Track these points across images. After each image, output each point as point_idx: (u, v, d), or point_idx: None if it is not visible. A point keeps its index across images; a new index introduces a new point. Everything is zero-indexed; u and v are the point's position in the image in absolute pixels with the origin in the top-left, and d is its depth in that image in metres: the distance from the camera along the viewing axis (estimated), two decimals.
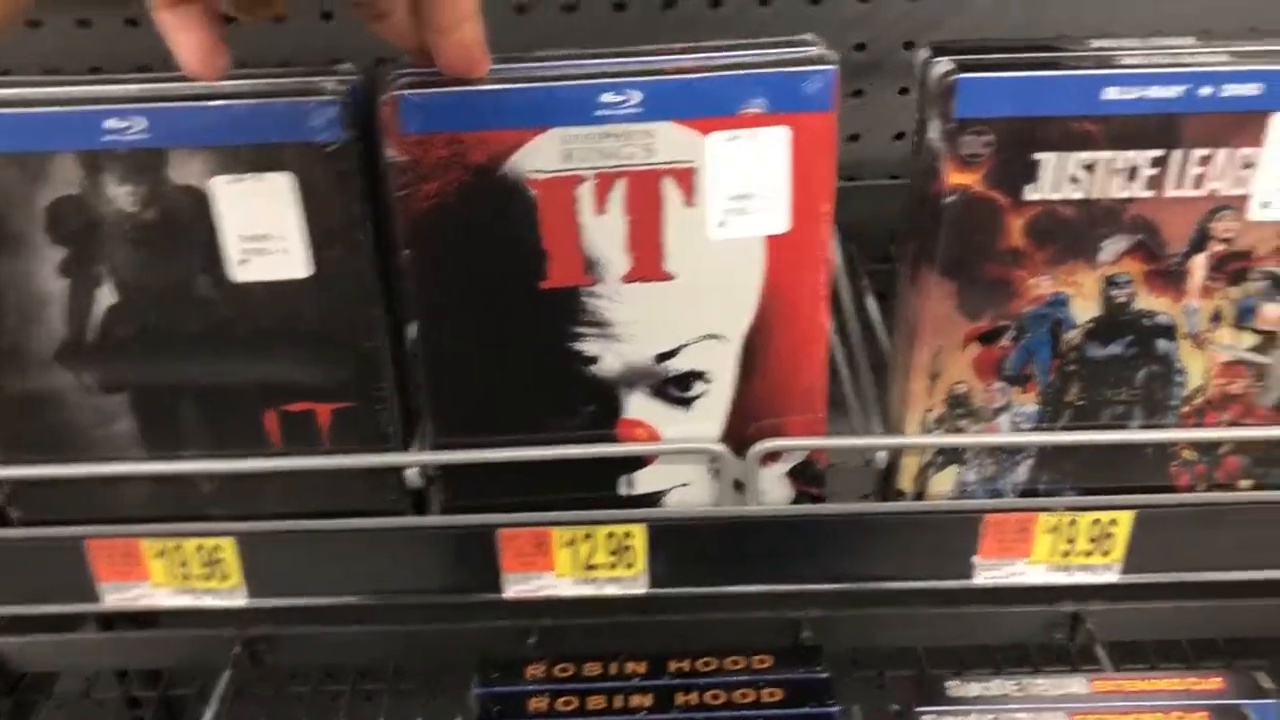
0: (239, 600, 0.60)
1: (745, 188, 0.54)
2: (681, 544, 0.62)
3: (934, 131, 0.53)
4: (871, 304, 0.71)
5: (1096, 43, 0.55)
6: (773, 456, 0.62)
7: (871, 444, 0.61)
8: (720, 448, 0.60)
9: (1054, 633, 0.89)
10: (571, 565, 0.62)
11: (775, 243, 0.56)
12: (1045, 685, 0.68)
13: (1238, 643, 0.97)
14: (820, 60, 0.53)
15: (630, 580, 0.62)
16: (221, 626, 0.85)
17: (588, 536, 0.61)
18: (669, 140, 0.53)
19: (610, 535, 0.61)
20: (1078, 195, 0.55)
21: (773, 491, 0.63)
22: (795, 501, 0.64)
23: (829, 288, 0.58)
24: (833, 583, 0.63)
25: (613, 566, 0.62)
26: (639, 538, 0.61)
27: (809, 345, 0.59)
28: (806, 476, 0.63)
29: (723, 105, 0.53)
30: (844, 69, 0.53)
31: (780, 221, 0.55)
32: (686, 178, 0.54)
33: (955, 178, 0.54)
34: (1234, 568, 0.63)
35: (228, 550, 0.58)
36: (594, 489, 0.62)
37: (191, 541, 0.59)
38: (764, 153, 0.54)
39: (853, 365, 0.67)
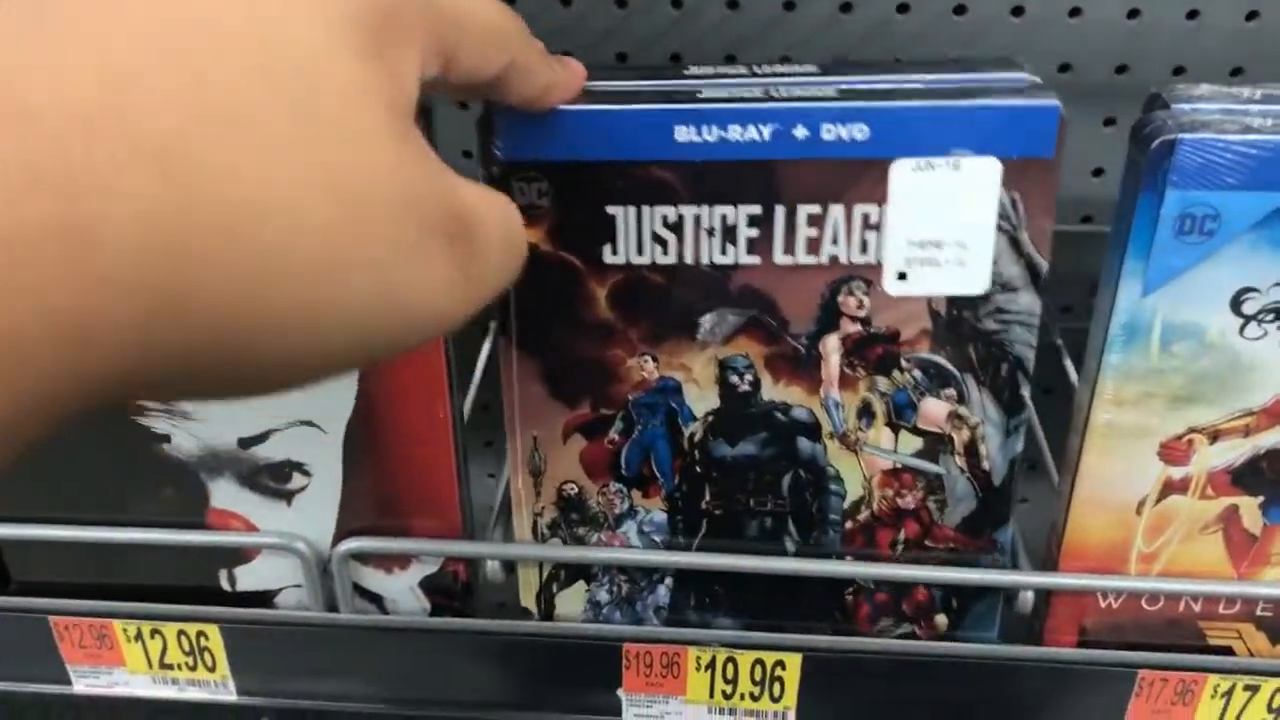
0: None
1: None
2: (265, 650, 0.53)
3: (482, 175, 0.44)
4: None
5: (696, 69, 0.45)
6: (400, 564, 0.53)
7: (440, 549, 0.51)
8: (301, 543, 0.51)
9: None
10: (144, 662, 0.54)
11: None
12: None
13: None
14: None
15: (217, 684, 0.54)
16: None
17: (155, 633, 0.53)
18: None
19: (182, 634, 0.53)
20: (667, 260, 0.44)
21: (404, 603, 0.54)
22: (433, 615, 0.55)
23: (448, 379, 0.49)
24: (442, 708, 0.53)
25: (192, 668, 0.54)
26: (214, 638, 0.53)
27: (428, 442, 0.50)
28: (440, 589, 0.54)
29: None
30: None
31: None
32: None
33: None
34: None
35: None
36: (196, 581, 0.55)
37: None
38: None
39: None
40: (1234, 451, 0.47)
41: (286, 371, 0.25)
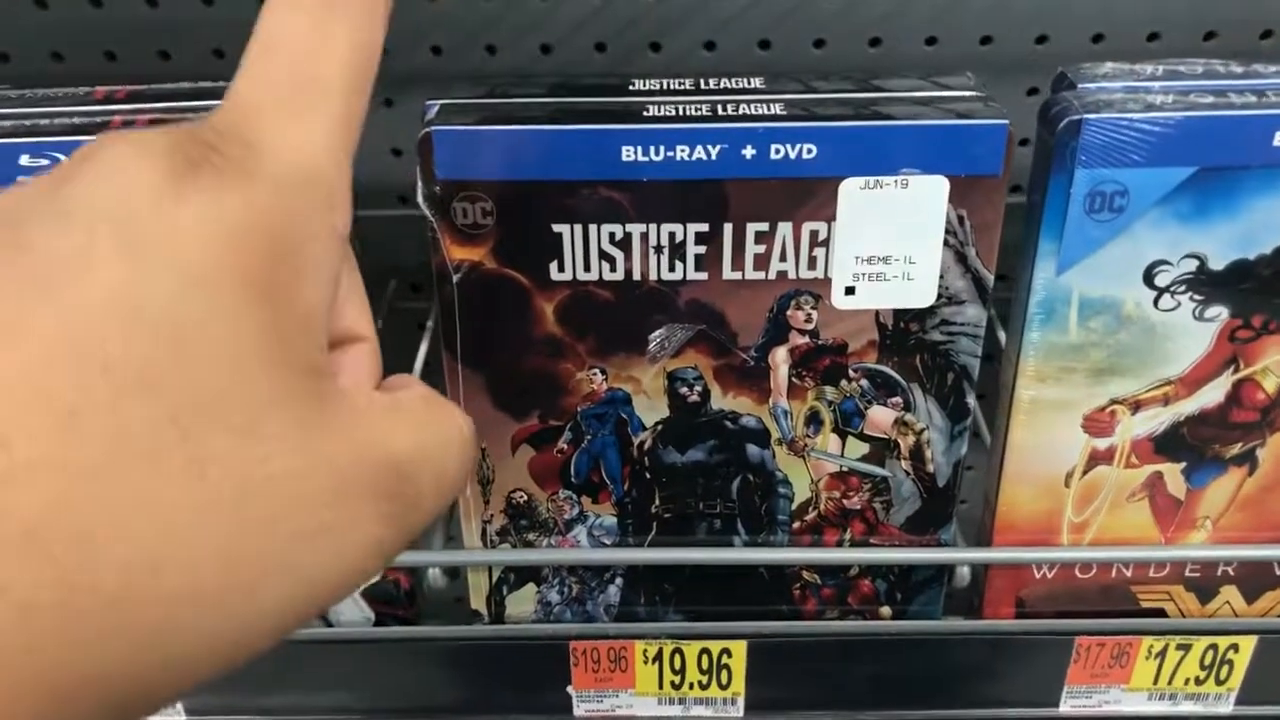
0: None
1: None
2: None
3: (421, 194, 0.43)
4: None
5: (641, 84, 0.44)
6: None
7: None
8: None
9: None
10: None
11: None
12: None
13: None
14: None
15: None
16: None
17: None
18: None
19: None
20: (615, 276, 0.44)
21: (347, 613, 0.54)
22: (378, 625, 0.54)
23: None
24: (393, 716, 0.53)
25: None
26: None
27: None
28: (383, 597, 0.54)
29: None
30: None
31: None
32: None
33: (458, 252, 0.43)
34: (868, 706, 0.52)
35: None
36: None
37: None
38: None
39: None
40: (1155, 420, 0.48)
41: (206, 675, 0.22)
